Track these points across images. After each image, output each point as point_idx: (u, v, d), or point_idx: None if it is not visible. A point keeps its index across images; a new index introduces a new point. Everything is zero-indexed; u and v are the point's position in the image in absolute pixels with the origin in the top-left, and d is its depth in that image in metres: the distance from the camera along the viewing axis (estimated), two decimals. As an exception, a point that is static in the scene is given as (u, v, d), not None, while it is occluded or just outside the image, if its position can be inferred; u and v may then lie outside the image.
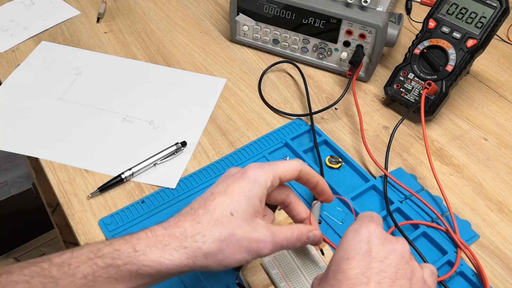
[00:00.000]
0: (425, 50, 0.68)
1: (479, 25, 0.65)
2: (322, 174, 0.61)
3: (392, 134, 0.65)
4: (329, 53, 0.76)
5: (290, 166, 0.44)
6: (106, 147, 0.65)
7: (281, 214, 0.56)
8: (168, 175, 0.61)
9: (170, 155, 0.63)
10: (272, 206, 0.57)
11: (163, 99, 0.72)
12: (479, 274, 0.53)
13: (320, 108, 0.70)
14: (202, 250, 0.38)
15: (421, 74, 0.68)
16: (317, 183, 0.46)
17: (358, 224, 0.41)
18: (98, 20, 0.85)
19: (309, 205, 0.58)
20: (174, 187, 0.60)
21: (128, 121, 0.68)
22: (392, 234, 0.56)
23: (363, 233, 0.39)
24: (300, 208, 0.47)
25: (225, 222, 0.39)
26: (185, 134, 0.67)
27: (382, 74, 0.79)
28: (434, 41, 0.67)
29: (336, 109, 0.73)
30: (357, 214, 0.58)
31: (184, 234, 0.38)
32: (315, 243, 0.46)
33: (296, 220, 0.47)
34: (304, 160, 0.63)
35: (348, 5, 0.71)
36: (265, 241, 0.40)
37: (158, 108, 0.70)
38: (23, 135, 0.65)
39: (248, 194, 0.41)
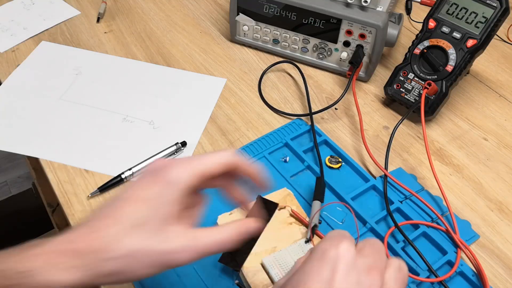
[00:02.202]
0: (425, 50, 0.68)
1: (479, 25, 0.65)
2: (322, 174, 0.61)
3: (392, 134, 0.65)
4: (329, 53, 0.76)
5: (215, 162, 0.39)
6: (106, 147, 0.65)
7: (280, 215, 0.56)
8: None
9: (170, 155, 0.63)
10: (272, 205, 0.57)
11: (163, 99, 0.72)
12: (479, 274, 0.53)
13: (320, 108, 0.70)
14: (106, 268, 0.34)
15: (421, 74, 0.68)
16: (250, 175, 0.41)
17: (328, 243, 0.34)
18: (98, 20, 0.85)
19: (309, 205, 0.58)
20: None
21: (128, 121, 0.68)
22: (392, 234, 0.56)
23: (331, 256, 0.33)
24: (237, 192, 0.43)
25: (133, 235, 0.35)
26: (185, 134, 0.67)
27: (382, 74, 0.79)
28: (434, 41, 0.67)
29: (336, 109, 0.73)
30: (357, 215, 0.58)
31: (85, 251, 0.34)
32: (257, 235, 0.41)
33: (233, 203, 0.43)
34: (304, 160, 0.63)
35: (348, 5, 0.71)
36: (180, 251, 0.36)
37: (158, 108, 0.70)
38: (23, 135, 0.65)
39: (160, 200, 0.36)
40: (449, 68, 0.66)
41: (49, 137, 0.65)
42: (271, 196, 0.58)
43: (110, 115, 0.69)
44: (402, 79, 0.70)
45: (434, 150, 0.68)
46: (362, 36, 0.71)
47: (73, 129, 0.67)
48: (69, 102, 0.70)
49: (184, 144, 0.64)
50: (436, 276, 0.52)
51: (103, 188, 0.59)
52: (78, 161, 0.62)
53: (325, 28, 0.73)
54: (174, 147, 0.63)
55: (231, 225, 0.39)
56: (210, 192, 0.60)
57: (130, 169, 0.60)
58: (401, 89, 0.70)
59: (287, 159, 0.64)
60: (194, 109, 0.71)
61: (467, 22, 0.65)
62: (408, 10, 0.93)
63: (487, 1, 0.64)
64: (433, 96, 0.67)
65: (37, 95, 0.71)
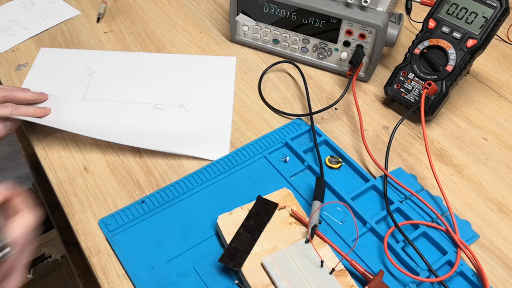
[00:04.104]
0: (425, 50, 0.68)
1: (479, 25, 0.65)
2: (322, 174, 0.61)
3: (392, 134, 0.65)
4: (329, 53, 0.76)
5: None
6: (148, 134, 0.66)
7: (280, 215, 0.56)
8: (213, 148, 0.65)
9: None
10: (272, 205, 0.57)
11: (183, 83, 0.74)
12: (479, 274, 0.53)
13: (320, 108, 0.70)
14: None
15: (421, 74, 0.68)
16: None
17: None
18: (98, 20, 0.85)
19: (309, 205, 0.58)
20: (215, 159, 0.63)
21: (158, 108, 0.69)
22: (392, 234, 0.57)
23: None
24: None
25: None
26: (217, 111, 0.70)
27: (382, 74, 0.79)
28: (434, 41, 0.67)
29: (336, 109, 0.73)
30: (356, 215, 0.58)
31: None
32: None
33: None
34: (304, 160, 0.63)
35: (348, 5, 0.71)
36: None
37: (182, 92, 0.72)
38: (65, 137, 0.65)
39: None
40: (449, 68, 0.66)
41: (86, 137, 0.65)
42: (271, 196, 0.58)
43: (139, 106, 0.70)
44: (402, 79, 0.70)
45: (434, 150, 0.68)
46: (362, 36, 0.71)
47: (106, 124, 0.67)
48: (93, 101, 0.70)
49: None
50: (436, 276, 0.52)
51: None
52: (141, 143, 0.64)
53: (325, 28, 0.73)
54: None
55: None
56: (210, 192, 0.60)
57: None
58: (401, 89, 0.70)
59: (287, 159, 0.64)
60: (216, 88, 0.73)
61: (467, 22, 0.65)
62: (408, 10, 0.93)
63: (487, 1, 0.64)
64: (433, 96, 0.67)
65: (58, 99, 0.70)
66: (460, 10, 0.66)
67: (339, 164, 0.63)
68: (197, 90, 0.73)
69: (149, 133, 0.66)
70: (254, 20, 0.78)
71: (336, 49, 0.75)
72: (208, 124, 0.68)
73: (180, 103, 0.70)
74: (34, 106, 0.67)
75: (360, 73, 0.75)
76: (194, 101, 0.71)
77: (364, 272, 0.51)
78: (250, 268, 0.51)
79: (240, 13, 0.78)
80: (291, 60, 0.79)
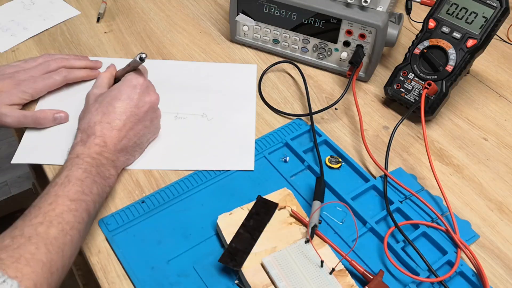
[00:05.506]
0: (425, 50, 0.68)
1: (479, 25, 0.65)
2: (322, 174, 0.61)
3: (392, 134, 0.65)
4: (329, 53, 0.76)
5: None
6: (167, 145, 0.65)
7: (280, 215, 0.56)
8: (242, 158, 0.63)
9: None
10: (272, 205, 0.57)
11: (204, 91, 0.72)
12: (479, 274, 0.53)
13: (320, 108, 0.70)
14: None
15: (421, 74, 0.68)
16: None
17: (134, 76, 0.62)
18: (98, 20, 0.85)
19: (309, 205, 0.58)
20: (253, 168, 0.62)
21: (180, 117, 0.68)
22: (392, 234, 0.57)
23: (134, 83, 0.61)
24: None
25: None
26: (240, 118, 0.69)
27: (382, 74, 0.79)
28: (434, 41, 0.67)
29: (336, 109, 0.73)
30: (356, 215, 0.58)
31: None
32: (64, 121, 0.66)
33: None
34: (304, 160, 0.63)
35: (348, 5, 0.71)
36: (7, 115, 0.62)
37: (204, 101, 0.71)
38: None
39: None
40: (449, 68, 0.66)
41: None
42: (271, 196, 0.58)
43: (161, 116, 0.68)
44: (402, 79, 0.70)
45: (434, 150, 0.68)
46: (362, 36, 0.71)
47: None
48: None
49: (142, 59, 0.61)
50: (436, 276, 0.52)
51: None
52: (143, 164, 0.62)
53: (325, 28, 0.73)
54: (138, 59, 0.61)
55: (44, 111, 0.65)
56: (210, 192, 0.60)
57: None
58: (401, 89, 0.71)
59: (287, 159, 0.64)
60: (238, 97, 0.72)
61: (467, 22, 0.65)
62: (408, 10, 0.93)
63: (487, 1, 0.64)
64: (433, 96, 0.67)
65: (79, 109, 0.68)
66: (460, 10, 0.66)
67: (339, 164, 0.63)
68: (219, 98, 0.72)
69: (174, 152, 0.64)
70: (254, 20, 0.78)
71: (336, 49, 0.75)
72: (232, 134, 0.66)
73: (202, 112, 0.69)
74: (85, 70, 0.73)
75: (360, 73, 0.75)
76: (216, 110, 0.70)
77: (364, 272, 0.51)
78: (250, 268, 0.51)
79: (240, 13, 0.78)
80: (291, 60, 0.79)
